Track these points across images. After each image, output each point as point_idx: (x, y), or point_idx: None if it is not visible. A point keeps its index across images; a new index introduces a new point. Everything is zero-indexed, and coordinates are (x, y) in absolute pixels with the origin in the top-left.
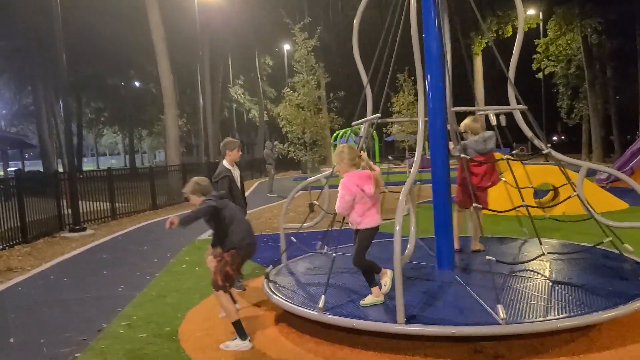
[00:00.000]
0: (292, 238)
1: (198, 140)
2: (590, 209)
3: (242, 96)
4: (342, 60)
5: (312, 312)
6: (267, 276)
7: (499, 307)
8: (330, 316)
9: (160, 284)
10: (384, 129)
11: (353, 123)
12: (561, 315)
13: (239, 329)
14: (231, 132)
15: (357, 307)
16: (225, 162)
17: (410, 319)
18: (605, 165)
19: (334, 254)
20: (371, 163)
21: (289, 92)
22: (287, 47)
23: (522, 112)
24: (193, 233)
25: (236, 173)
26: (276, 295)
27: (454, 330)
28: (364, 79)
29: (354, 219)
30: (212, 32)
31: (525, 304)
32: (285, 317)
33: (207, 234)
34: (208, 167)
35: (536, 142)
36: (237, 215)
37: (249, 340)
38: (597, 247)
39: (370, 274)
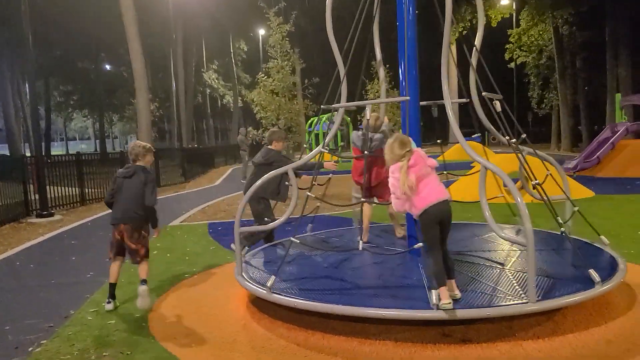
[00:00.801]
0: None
1: (171, 126)
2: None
3: (216, 81)
4: (318, 46)
5: (261, 290)
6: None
7: (434, 292)
8: (275, 295)
9: (130, 270)
10: (358, 116)
11: (322, 106)
12: (526, 300)
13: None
14: (205, 117)
15: (317, 291)
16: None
17: (369, 301)
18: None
19: (292, 239)
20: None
21: (263, 77)
22: (262, 32)
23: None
24: (164, 219)
25: None
26: (247, 280)
27: (414, 313)
28: (339, 60)
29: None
30: (186, 15)
31: (491, 289)
32: (258, 303)
33: (179, 221)
34: (181, 153)
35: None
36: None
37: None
38: (564, 234)
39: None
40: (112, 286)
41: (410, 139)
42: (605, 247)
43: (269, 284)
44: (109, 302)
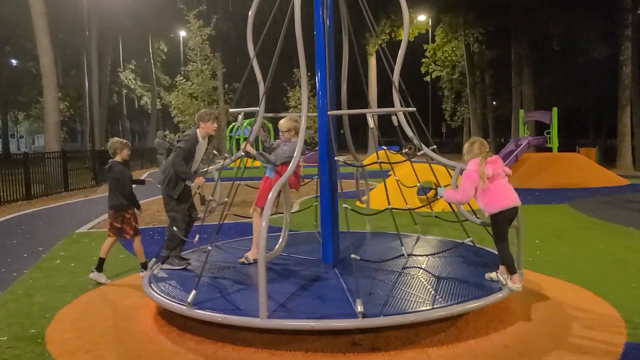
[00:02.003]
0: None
1: (83, 126)
2: (462, 209)
3: (133, 82)
4: (240, 51)
5: (172, 303)
6: (148, 272)
7: (358, 301)
8: (197, 311)
9: (28, 281)
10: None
11: (230, 110)
12: (429, 307)
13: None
14: (121, 119)
15: (228, 302)
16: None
17: (275, 313)
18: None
19: (210, 247)
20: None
21: (181, 80)
22: (183, 33)
23: (405, 113)
24: (71, 226)
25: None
26: (154, 291)
27: (312, 324)
28: (256, 68)
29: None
30: (101, 11)
31: (397, 297)
32: (166, 315)
33: (87, 227)
34: (93, 155)
35: (416, 141)
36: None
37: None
38: (466, 242)
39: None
40: (101, 260)
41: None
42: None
43: (180, 297)
44: (92, 272)
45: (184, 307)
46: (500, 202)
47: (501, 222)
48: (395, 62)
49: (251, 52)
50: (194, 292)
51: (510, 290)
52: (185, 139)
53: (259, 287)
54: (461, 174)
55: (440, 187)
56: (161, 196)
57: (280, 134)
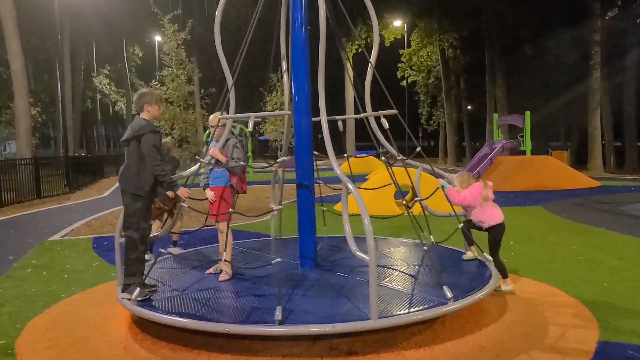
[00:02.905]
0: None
1: (56, 132)
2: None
3: (108, 87)
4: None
5: (143, 310)
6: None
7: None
8: (157, 315)
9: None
10: (256, 127)
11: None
12: (406, 311)
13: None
14: (95, 124)
15: (203, 309)
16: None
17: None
18: (457, 169)
19: (149, 255)
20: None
21: (157, 85)
22: (158, 38)
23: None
24: (43, 234)
25: None
26: (128, 299)
27: (272, 329)
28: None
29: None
30: (74, 14)
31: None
32: (140, 323)
33: (60, 235)
34: (66, 161)
35: (387, 147)
36: None
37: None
38: (440, 244)
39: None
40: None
41: None
42: (481, 258)
43: (154, 304)
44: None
45: (148, 311)
46: (498, 216)
47: (501, 232)
48: (370, 67)
49: (219, 48)
50: (137, 289)
51: (502, 290)
52: (148, 131)
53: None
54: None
55: (445, 183)
56: (121, 206)
57: (212, 129)
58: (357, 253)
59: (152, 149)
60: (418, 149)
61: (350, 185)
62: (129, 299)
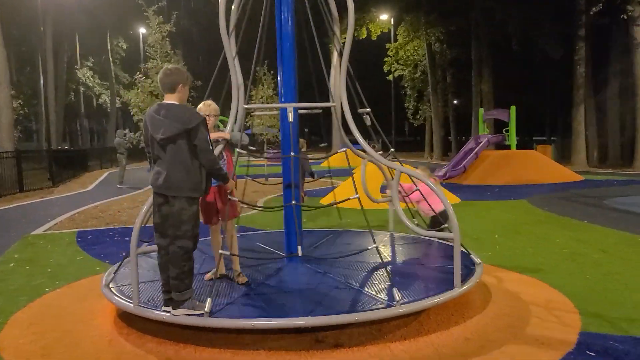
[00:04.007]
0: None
1: (39, 125)
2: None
3: (91, 79)
4: (203, 49)
5: (128, 303)
6: (107, 273)
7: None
8: (143, 309)
9: None
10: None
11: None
12: (392, 304)
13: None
14: (78, 117)
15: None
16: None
17: (216, 312)
18: (442, 163)
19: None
20: None
21: (141, 78)
22: (142, 30)
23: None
24: (26, 228)
25: None
26: (113, 293)
27: (253, 322)
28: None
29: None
30: (57, 5)
31: (362, 294)
32: (126, 318)
33: (43, 229)
34: (49, 155)
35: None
36: None
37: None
38: (428, 238)
39: None
40: None
41: None
42: (465, 251)
43: (137, 297)
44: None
45: (131, 305)
46: (440, 205)
47: (445, 217)
48: (357, 60)
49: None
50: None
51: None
52: (200, 120)
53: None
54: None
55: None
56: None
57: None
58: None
59: (208, 141)
60: (392, 150)
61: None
62: (195, 314)
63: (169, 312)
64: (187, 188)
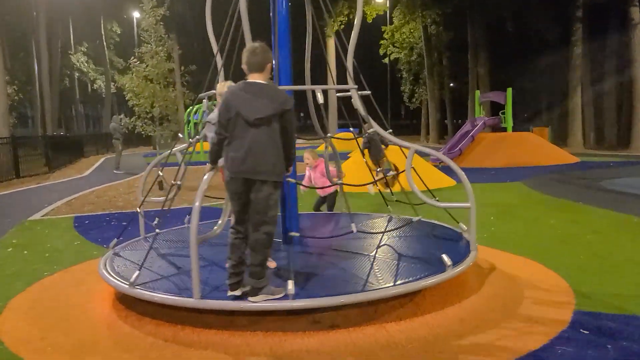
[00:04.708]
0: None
1: (34, 111)
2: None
3: (86, 65)
4: (197, 33)
5: (125, 285)
6: (105, 257)
7: (289, 282)
8: (139, 291)
9: None
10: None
11: (200, 95)
12: (390, 284)
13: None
14: (73, 103)
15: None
16: None
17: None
18: (439, 146)
19: (157, 230)
20: None
21: (136, 62)
22: (136, 14)
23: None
24: (23, 213)
25: None
26: (112, 276)
27: (249, 305)
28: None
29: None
30: None
31: (355, 276)
32: (124, 300)
33: (40, 215)
34: (45, 141)
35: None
36: None
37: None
38: (422, 219)
39: None
40: None
41: None
42: (462, 232)
43: (132, 279)
44: None
45: (127, 286)
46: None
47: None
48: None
49: (209, 30)
50: (137, 272)
51: None
52: (292, 102)
53: (192, 269)
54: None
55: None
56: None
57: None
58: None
59: (292, 114)
60: (390, 130)
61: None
62: (274, 298)
63: (240, 297)
64: (276, 172)
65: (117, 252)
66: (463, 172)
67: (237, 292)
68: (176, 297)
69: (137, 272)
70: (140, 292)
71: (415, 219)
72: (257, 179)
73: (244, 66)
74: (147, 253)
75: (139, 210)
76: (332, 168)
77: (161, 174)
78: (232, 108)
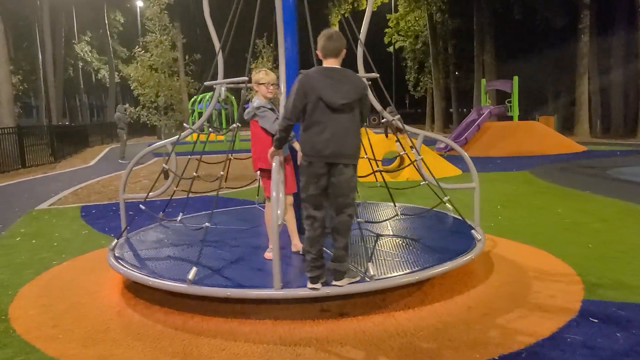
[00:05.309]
0: (142, 206)
1: (38, 101)
2: (427, 175)
3: (90, 54)
4: (201, 21)
5: (136, 273)
6: (113, 246)
7: (369, 265)
8: (151, 279)
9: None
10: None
11: (206, 83)
12: (398, 273)
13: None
14: (78, 93)
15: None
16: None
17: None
18: (444, 135)
19: (207, 224)
20: None
21: (140, 52)
22: (140, 3)
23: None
24: (30, 203)
25: None
26: (122, 265)
27: (257, 292)
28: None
29: None
30: None
31: (364, 265)
32: (133, 289)
33: (47, 204)
34: (50, 130)
35: (388, 110)
36: None
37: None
38: (433, 209)
39: None
40: None
41: None
42: (467, 221)
43: (190, 276)
44: None
45: (185, 286)
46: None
47: None
48: (357, 32)
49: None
50: (194, 269)
51: None
52: (367, 84)
53: (273, 259)
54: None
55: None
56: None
57: (265, 88)
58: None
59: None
60: (398, 117)
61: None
62: (355, 282)
63: (317, 288)
64: (357, 155)
65: (125, 241)
66: (467, 154)
67: (318, 285)
68: (260, 291)
69: (193, 269)
70: (208, 289)
71: (445, 198)
72: (340, 162)
73: (318, 52)
74: (201, 251)
75: (142, 207)
76: None
77: (166, 166)
78: (312, 93)
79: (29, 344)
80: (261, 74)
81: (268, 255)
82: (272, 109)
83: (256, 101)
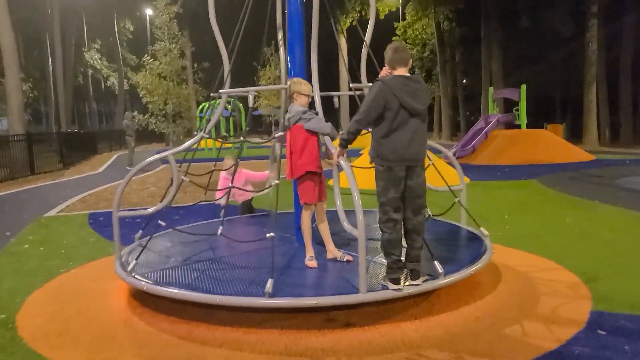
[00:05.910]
0: (161, 222)
1: (48, 108)
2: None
3: (99, 62)
4: (210, 30)
5: (142, 282)
6: (120, 255)
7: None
8: (156, 287)
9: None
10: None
11: (212, 94)
12: (406, 284)
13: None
14: (87, 100)
15: (202, 281)
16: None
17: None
18: (451, 143)
19: (272, 234)
20: None
21: (149, 60)
22: (149, 11)
23: None
24: (39, 210)
25: None
26: (130, 274)
27: (263, 302)
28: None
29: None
30: None
31: (370, 275)
32: (139, 297)
33: (55, 211)
34: (59, 137)
35: None
36: None
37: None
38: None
39: None
40: None
41: None
42: (476, 231)
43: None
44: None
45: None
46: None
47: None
48: (365, 40)
49: (215, 30)
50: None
51: None
52: None
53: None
54: None
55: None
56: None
57: (306, 98)
58: (346, 225)
59: None
60: None
61: (342, 162)
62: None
63: (400, 289)
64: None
65: (132, 250)
66: (455, 158)
67: (400, 286)
68: (347, 297)
69: (270, 281)
70: (277, 301)
71: (457, 199)
72: (418, 165)
73: (387, 63)
74: (272, 263)
75: (161, 223)
76: (262, 173)
77: (185, 178)
78: (393, 100)
79: (36, 352)
80: (303, 86)
81: (310, 263)
82: (316, 113)
83: (298, 108)
